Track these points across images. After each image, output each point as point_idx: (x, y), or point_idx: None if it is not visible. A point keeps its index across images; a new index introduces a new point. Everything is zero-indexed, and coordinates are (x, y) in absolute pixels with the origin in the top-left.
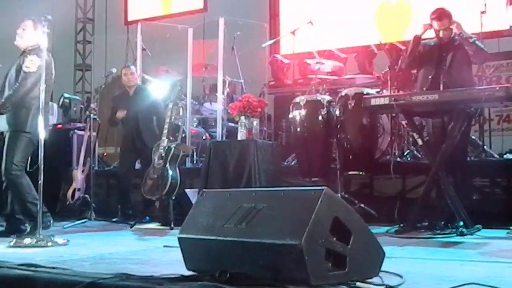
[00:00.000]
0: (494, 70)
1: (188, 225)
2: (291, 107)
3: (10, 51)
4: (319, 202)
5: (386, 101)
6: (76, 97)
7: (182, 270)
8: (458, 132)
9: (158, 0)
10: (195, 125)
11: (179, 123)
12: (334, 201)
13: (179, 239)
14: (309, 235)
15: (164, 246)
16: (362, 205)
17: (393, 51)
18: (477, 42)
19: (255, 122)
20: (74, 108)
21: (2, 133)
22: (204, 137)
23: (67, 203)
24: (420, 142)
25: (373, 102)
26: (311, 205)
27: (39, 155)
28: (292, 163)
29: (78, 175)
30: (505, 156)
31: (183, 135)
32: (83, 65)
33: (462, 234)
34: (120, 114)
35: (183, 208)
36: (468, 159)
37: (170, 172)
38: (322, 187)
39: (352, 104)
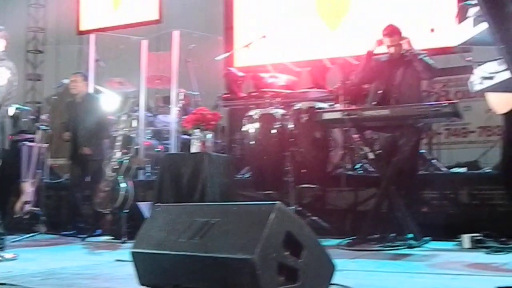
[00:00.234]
0: (443, 85)
1: (141, 239)
2: (245, 120)
3: None
4: (271, 216)
5: (338, 115)
6: (27, 107)
7: (134, 285)
8: (408, 147)
9: (112, 9)
10: (148, 137)
11: (132, 135)
12: (286, 215)
13: (132, 253)
14: (261, 249)
15: (116, 260)
16: (315, 218)
17: (345, 65)
18: (425, 58)
19: (209, 135)
20: (24, 119)
21: None
22: (157, 150)
23: (16, 216)
24: (371, 155)
25: (326, 116)
26: (263, 220)
27: None
28: (246, 176)
29: (28, 188)
30: (452, 169)
31: (136, 148)
32: (33, 75)
33: (411, 247)
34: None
35: (135, 222)
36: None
37: (123, 185)
38: (275, 202)
39: (305, 118)
